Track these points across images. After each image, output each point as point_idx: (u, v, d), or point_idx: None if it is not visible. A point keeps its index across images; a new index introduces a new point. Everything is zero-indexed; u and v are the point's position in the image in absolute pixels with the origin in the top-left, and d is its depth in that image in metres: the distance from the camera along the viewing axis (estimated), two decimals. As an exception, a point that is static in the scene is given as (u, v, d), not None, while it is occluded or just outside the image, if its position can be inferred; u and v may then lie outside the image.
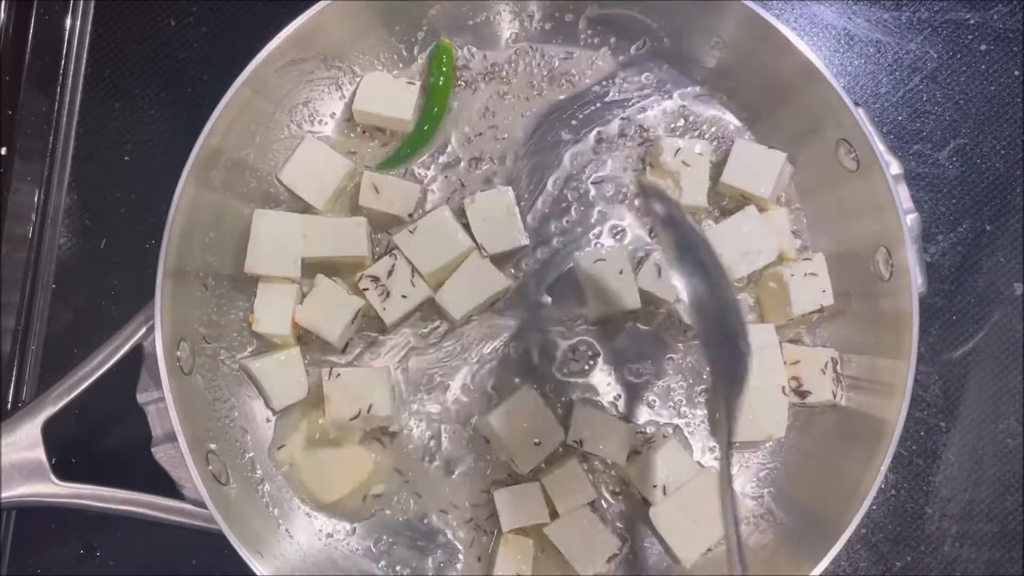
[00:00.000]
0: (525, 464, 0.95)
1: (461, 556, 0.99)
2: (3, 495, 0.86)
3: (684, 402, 1.02)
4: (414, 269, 0.98)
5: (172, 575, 1.06)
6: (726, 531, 0.73)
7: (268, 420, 1.00)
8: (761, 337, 0.97)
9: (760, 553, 0.97)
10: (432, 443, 1.01)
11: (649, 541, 0.99)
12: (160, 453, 0.90)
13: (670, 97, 1.06)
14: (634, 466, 0.96)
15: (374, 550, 0.99)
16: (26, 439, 0.87)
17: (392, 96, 1.01)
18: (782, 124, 1.02)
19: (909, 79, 1.12)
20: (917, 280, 0.90)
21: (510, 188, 1.02)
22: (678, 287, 0.98)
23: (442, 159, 1.05)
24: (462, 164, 1.05)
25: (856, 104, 0.92)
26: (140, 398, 0.90)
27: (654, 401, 1.02)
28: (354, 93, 1.03)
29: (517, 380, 1.02)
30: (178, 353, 0.91)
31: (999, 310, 1.08)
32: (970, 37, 1.13)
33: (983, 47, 1.13)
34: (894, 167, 0.93)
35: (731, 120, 1.05)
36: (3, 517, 1.05)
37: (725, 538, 0.73)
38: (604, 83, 1.06)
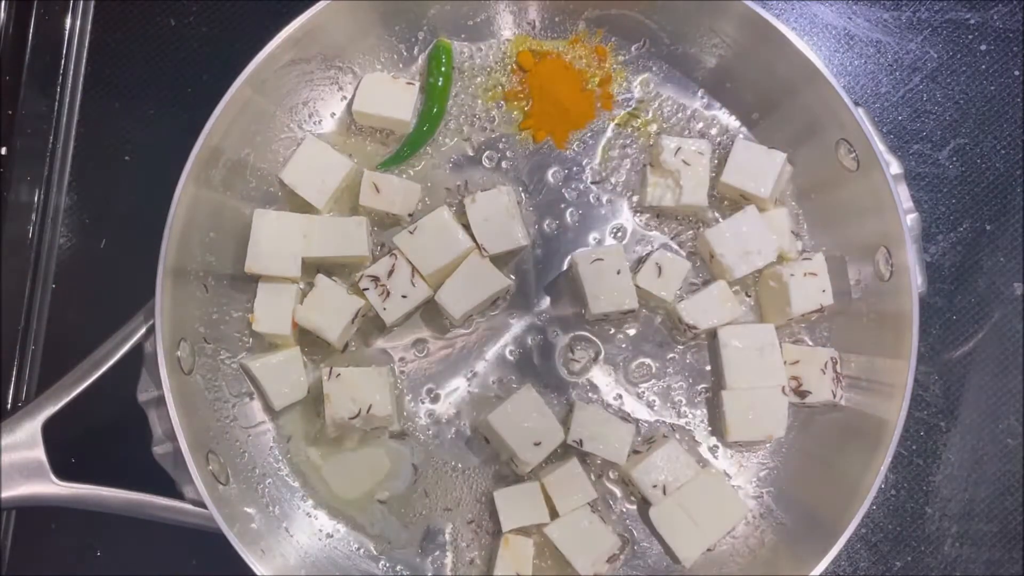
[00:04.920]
0: (525, 464, 0.95)
1: (461, 556, 0.99)
2: (3, 495, 0.86)
3: (684, 402, 1.02)
4: (414, 269, 0.98)
5: (172, 575, 1.06)
6: None
7: (268, 420, 1.00)
8: (761, 337, 0.97)
9: (760, 553, 0.97)
10: (432, 443, 1.01)
11: (649, 541, 0.99)
12: (160, 453, 0.90)
13: (670, 97, 1.06)
14: (634, 466, 0.96)
15: (374, 550, 0.99)
16: (26, 439, 0.87)
17: (392, 97, 1.01)
18: (782, 124, 1.02)
19: (909, 79, 1.12)
20: (917, 280, 0.90)
21: (510, 188, 1.02)
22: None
23: (442, 159, 1.05)
24: (462, 164, 1.05)
25: (856, 104, 0.92)
26: (140, 398, 0.90)
27: (654, 401, 1.02)
28: (354, 93, 1.03)
29: (517, 380, 1.02)
30: (178, 353, 0.91)
31: (999, 310, 1.08)
32: (970, 37, 1.13)
33: (983, 47, 1.13)
34: (894, 167, 0.93)
35: (731, 120, 1.05)
36: (3, 517, 1.05)
37: None
38: (604, 83, 1.05)
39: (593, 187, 1.05)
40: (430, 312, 1.02)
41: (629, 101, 1.05)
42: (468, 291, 0.98)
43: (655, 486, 0.96)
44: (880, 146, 0.91)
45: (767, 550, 0.96)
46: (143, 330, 0.90)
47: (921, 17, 1.13)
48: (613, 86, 1.05)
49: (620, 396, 1.02)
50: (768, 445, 1.01)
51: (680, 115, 1.05)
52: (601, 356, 1.02)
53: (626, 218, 1.04)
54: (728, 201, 1.03)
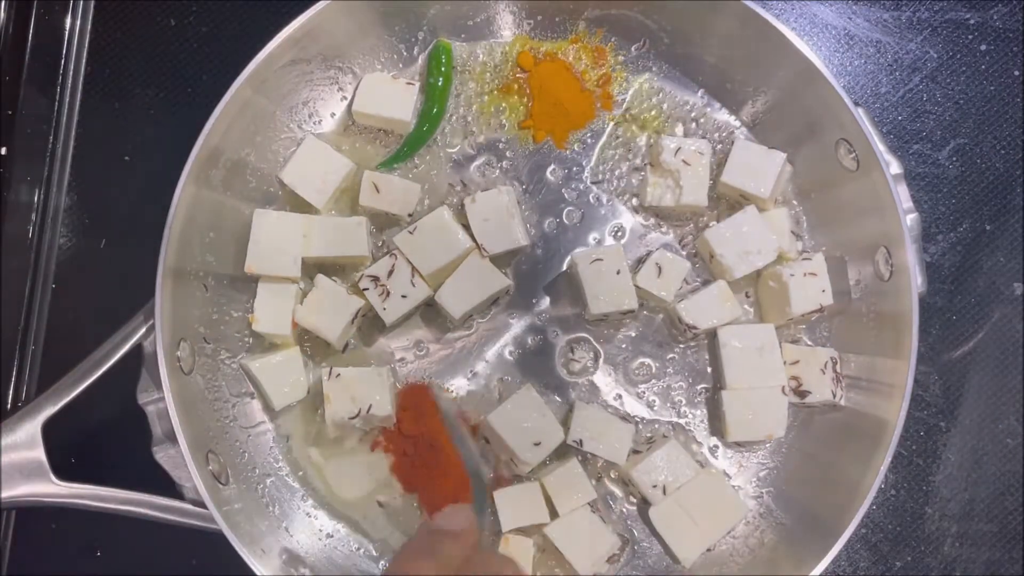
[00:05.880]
0: (525, 464, 0.95)
1: (461, 556, 0.99)
2: (3, 495, 0.86)
3: (684, 402, 1.02)
4: (414, 269, 0.98)
5: (172, 575, 1.06)
6: None
7: (268, 420, 1.00)
8: (761, 337, 0.97)
9: (760, 553, 0.97)
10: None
11: (649, 541, 0.99)
12: (160, 453, 0.90)
13: (670, 97, 1.06)
14: (634, 466, 0.96)
15: (374, 551, 0.99)
16: (26, 439, 0.87)
17: (391, 97, 1.01)
18: (782, 124, 1.02)
19: (909, 79, 1.12)
20: (917, 280, 0.90)
21: (510, 188, 1.02)
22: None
23: (442, 159, 1.05)
24: (462, 164, 1.05)
25: (856, 104, 0.92)
26: (140, 398, 0.90)
27: (654, 401, 1.02)
28: (354, 93, 1.03)
29: (517, 380, 1.02)
30: (178, 353, 0.91)
31: (999, 310, 1.08)
32: (970, 37, 1.13)
33: (983, 47, 1.13)
34: (894, 167, 0.93)
35: (731, 120, 1.05)
36: (3, 517, 1.05)
37: None
38: (604, 83, 1.05)
39: (593, 187, 1.05)
40: (430, 312, 1.02)
41: (627, 101, 1.05)
42: (468, 291, 0.98)
43: (655, 486, 0.96)
44: (880, 146, 0.91)
45: (767, 550, 0.96)
46: (143, 330, 0.90)
47: (921, 17, 1.13)
48: (613, 86, 1.05)
49: (620, 396, 1.02)
50: (768, 445, 1.01)
51: (680, 115, 1.05)
52: (601, 356, 1.02)
53: (626, 218, 1.04)
54: (728, 201, 1.03)
